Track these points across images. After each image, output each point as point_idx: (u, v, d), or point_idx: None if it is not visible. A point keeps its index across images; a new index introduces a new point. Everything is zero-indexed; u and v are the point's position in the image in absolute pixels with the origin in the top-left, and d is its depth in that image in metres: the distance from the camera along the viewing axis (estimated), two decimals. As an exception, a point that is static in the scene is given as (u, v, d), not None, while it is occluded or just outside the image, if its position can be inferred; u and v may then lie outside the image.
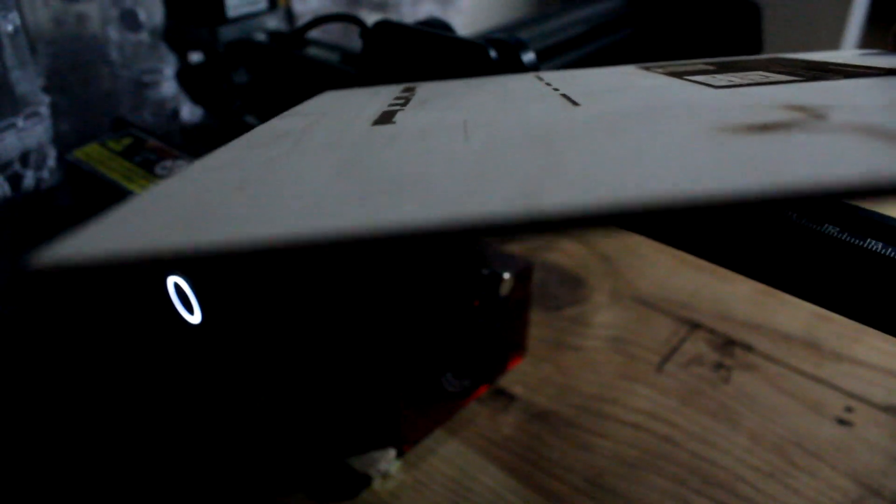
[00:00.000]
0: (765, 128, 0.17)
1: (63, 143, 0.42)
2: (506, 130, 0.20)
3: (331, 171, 0.17)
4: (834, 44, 0.68)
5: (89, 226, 0.15)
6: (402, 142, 0.20)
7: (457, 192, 0.15)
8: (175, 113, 0.51)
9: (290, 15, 0.46)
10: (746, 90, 0.23)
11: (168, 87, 0.49)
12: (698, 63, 0.29)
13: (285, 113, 0.27)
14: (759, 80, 0.24)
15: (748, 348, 0.41)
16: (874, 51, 0.29)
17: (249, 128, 0.26)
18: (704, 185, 0.13)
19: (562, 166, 0.16)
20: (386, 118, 0.24)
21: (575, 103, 0.23)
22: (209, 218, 0.15)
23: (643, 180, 0.14)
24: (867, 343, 0.41)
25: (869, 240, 0.21)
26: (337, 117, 0.26)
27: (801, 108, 0.20)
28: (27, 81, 0.39)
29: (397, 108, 0.26)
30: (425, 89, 0.30)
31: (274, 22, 0.45)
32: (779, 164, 0.14)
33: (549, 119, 0.21)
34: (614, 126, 0.19)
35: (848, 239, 0.21)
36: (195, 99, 0.49)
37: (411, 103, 0.27)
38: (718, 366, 0.40)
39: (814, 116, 0.18)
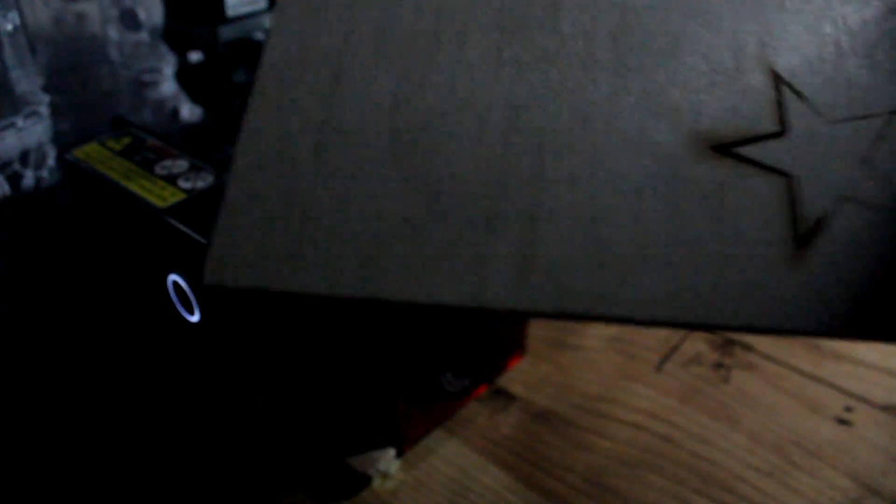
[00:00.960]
0: (723, 153, 0.21)
1: (62, 142, 0.42)
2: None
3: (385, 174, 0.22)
4: None
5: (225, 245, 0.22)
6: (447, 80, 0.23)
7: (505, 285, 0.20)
8: (175, 112, 0.51)
9: (289, 14, 0.46)
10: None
11: (168, 86, 0.49)
12: None
13: None
14: None
15: (748, 348, 0.41)
16: None
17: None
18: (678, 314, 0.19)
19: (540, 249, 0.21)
20: None
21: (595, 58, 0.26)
22: (308, 262, 0.20)
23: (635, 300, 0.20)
24: (867, 343, 0.41)
25: None
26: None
27: (774, 82, 0.22)
28: (27, 81, 0.39)
29: None
30: None
31: (274, 21, 0.45)
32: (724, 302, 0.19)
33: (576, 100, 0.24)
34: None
35: None
36: (195, 98, 0.49)
37: None
38: (718, 365, 0.40)
39: (775, 126, 0.22)
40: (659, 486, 0.33)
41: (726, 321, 0.19)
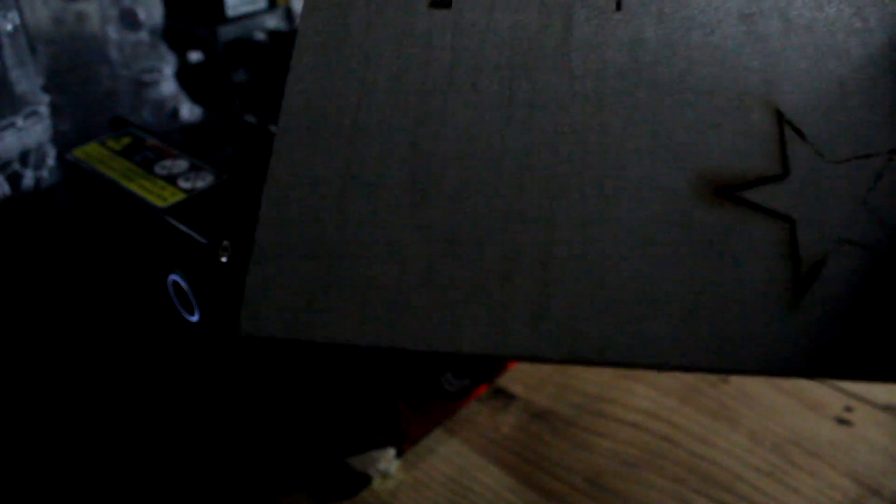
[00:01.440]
0: (727, 197, 0.22)
1: (62, 142, 0.42)
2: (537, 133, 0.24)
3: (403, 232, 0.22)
4: None
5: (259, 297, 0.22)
6: (454, 122, 0.24)
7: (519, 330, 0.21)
8: (174, 112, 0.51)
9: (289, 14, 0.46)
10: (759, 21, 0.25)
11: (167, 86, 0.49)
12: None
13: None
14: None
15: (748, 348, 0.41)
16: None
17: (249, 127, 0.27)
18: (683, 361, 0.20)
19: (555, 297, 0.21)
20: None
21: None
22: (340, 313, 0.21)
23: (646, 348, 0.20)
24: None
25: None
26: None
27: (777, 121, 0.23)
28: (26, 81, 0.39)
29: None
30: None
31: (273, 21, 0.45)
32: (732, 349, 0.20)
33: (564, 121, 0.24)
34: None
35: None
36: (194, 98, 0.49)
37: None
38: (718, 365, 0.40)
39: (777, 168, 0.22)
40: (659, 486, 0.33)
41: (727, 366, 0.19)
